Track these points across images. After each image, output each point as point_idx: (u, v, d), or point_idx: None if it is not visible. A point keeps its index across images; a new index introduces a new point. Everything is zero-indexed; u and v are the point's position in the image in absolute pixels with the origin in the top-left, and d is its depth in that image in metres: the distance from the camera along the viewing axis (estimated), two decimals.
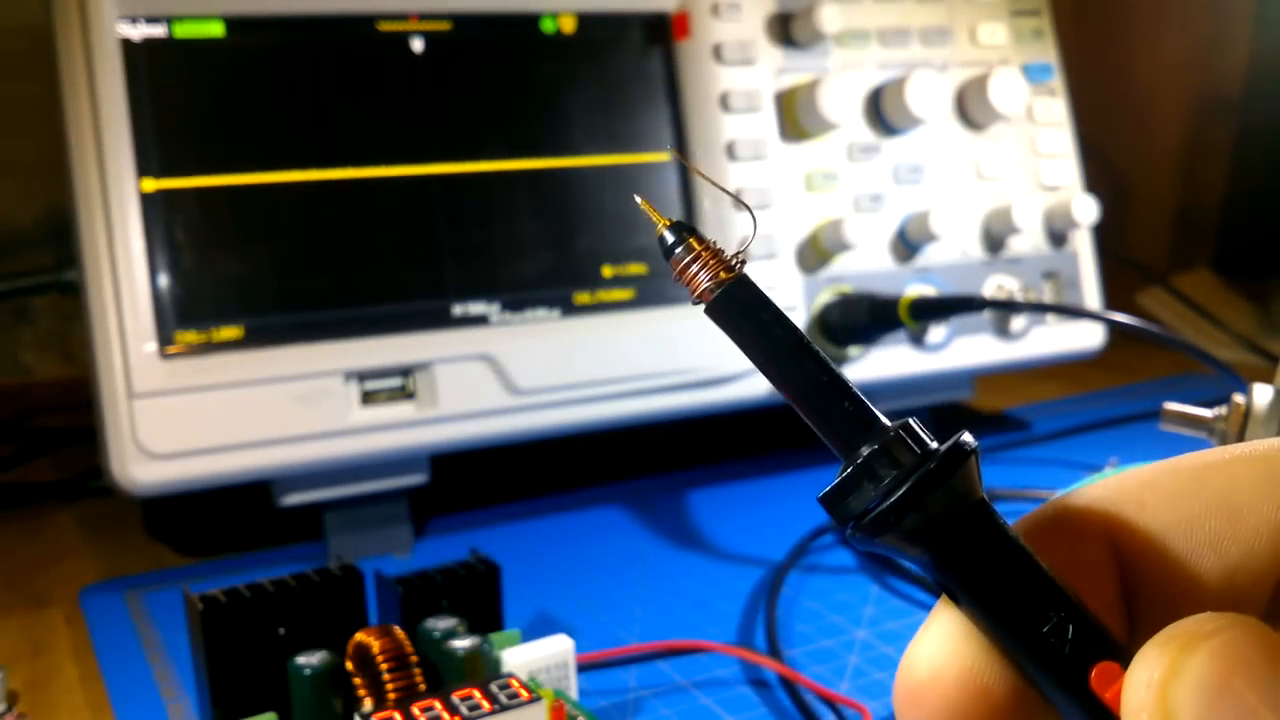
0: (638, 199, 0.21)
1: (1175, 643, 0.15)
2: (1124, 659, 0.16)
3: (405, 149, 0.55)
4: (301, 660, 0.36)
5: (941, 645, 0.18)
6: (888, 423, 0.18)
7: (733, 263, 0.19)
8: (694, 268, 0.19)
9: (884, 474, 0.18)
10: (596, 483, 0.65)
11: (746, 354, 0.19)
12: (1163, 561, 0.18)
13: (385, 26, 0.55)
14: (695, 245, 0.19)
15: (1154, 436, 0.47)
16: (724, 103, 0.60)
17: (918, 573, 0.51)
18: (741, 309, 0.19)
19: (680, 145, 0.61)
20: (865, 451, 0.18)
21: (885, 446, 0.18)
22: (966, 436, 0.18)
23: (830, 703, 0.41)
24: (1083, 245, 0.69)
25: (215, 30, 0.52)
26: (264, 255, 0.53)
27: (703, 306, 0.19)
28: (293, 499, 0.54)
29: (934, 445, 0.18)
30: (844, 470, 0.18)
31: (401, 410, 0.53)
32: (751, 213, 0.21)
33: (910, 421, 0.18)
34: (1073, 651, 0.17)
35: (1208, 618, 0.15)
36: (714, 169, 0.60)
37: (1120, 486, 0.19)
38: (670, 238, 0.19)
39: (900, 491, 0.17)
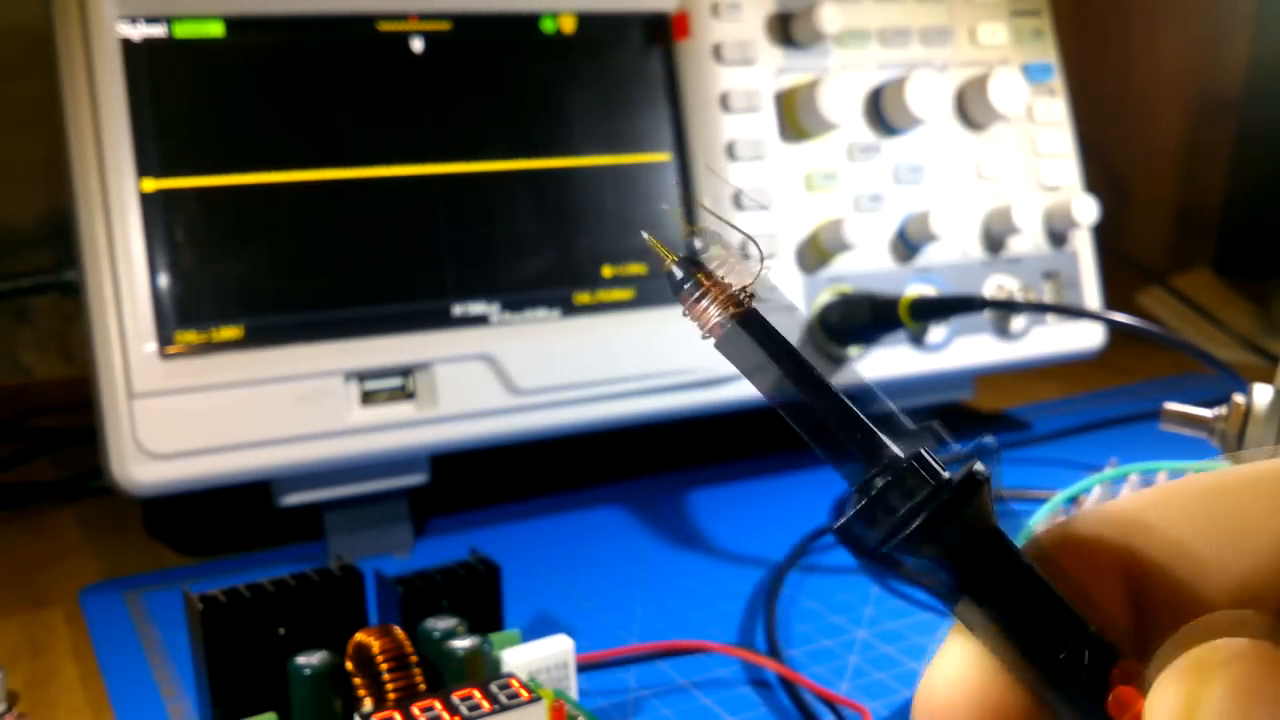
0: (646, 235, 0.21)
1: (1193, 672, 0.15)
2: (1140, 683, 0.17)
3: (405, 149, 0.55)
4: (301, 660, 0.36)
5: (958, 670, 0.18)
6: (900, 452, 0.19)
7: (741, 297, 0.19)
8: (703, 303, 0.19)
9: (898, 505, 0.18)
10: (596, 483, 0.65)
11: (757, 386, 0.19)
12: (1171, 579, 0.19)
13: (385, 26, 0.55)
14: (704, 280, 0.19)
15: (1154, 436, 0.47)
16: (724, 103, 0.60)
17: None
18: (750, 343, 0.19)
19: (680, 145, 0.61)
20: (879, 483, 0.18)
21: (899, 478, 0.18)
22: (979, 465, 0.18)
23: (830, 703, 0.41)
24: (1083, 245, 0.69)
25: (215, 30, 0.52)
26: (264, 255, 0.53)
27: (712, 341, 0.19)
28: (293, 499, 0.54)
29: (947, 475, 0.18)
30: (858, 502, 0.18)
31: (401, 410, 0.53)
32: (760, 249, 0.21)
33: (922, 451, 0.18)
34: (1089, 677, 0.17)
35: (1223, 644, 0.16)
36: (714, 169, 0.60)
37: (1125, 508, 0.19)
38: (678, 273, 0.20)
39: (915, 523, 0.18)
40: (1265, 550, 0.18)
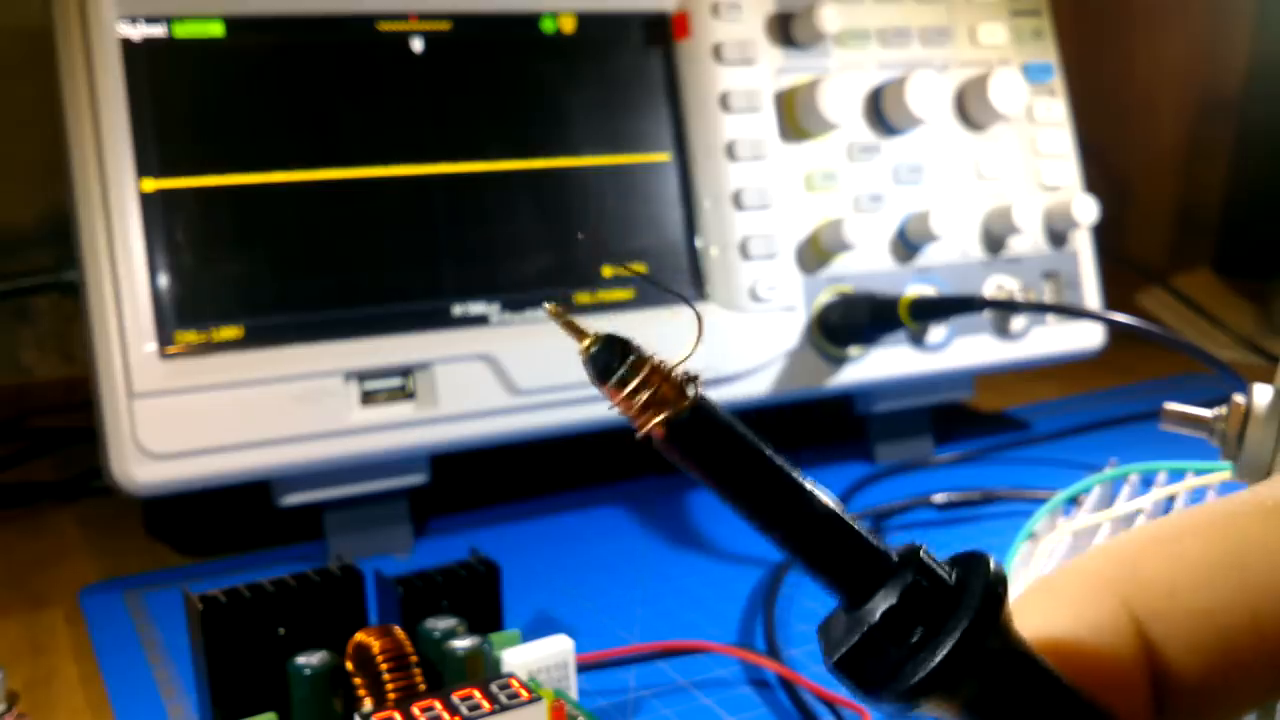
0: (547, 306, 0.17)
1: None
2: None
3: (405, 149, 0.55)
4: (301, 660, 0.36)
5: None
6: (892, 554, 0.16)
7: (684, 384, 0.16)
8: (640, 394, 0.15)
9: (908, 632, 0.15)
10: (596, 483, 0.65)
11: (715, 491, 0.16)
12: (1199, 651, 0.17)
13: (385, 26, 0.55)
14: (639, 367, 0.16)
15: (1154, 436, 0.46)
16: (724, 103, 0.60)
17: None
18: (703, 441, 0.15)
19: (680, 145, 0.61)
20: (882, 606, 0.15)
21: (905, 598, 0.15)
22: (994, 566, 0.15)
23: (830, 704, 0.41)
24: (1083, 245, 0.69)
25: (215, 30, 0.52)
26: (264, 255, 0.53)
27: (652, 441, 0.15)
28: (293, 499, 0.54)
29: (951, 579, 0.15)
30: (856, 628, 0.15)
31: (401, 410, 0.53)
32: (699, 315, 0.16)
33: (922, 556, 0.15)
34: None
35: None
36: (714, 169, 0.60)
37: (1143, 564, 0.17)
38: (603, 359, 0.15)
39: (938, 658, 0.15)
40: None
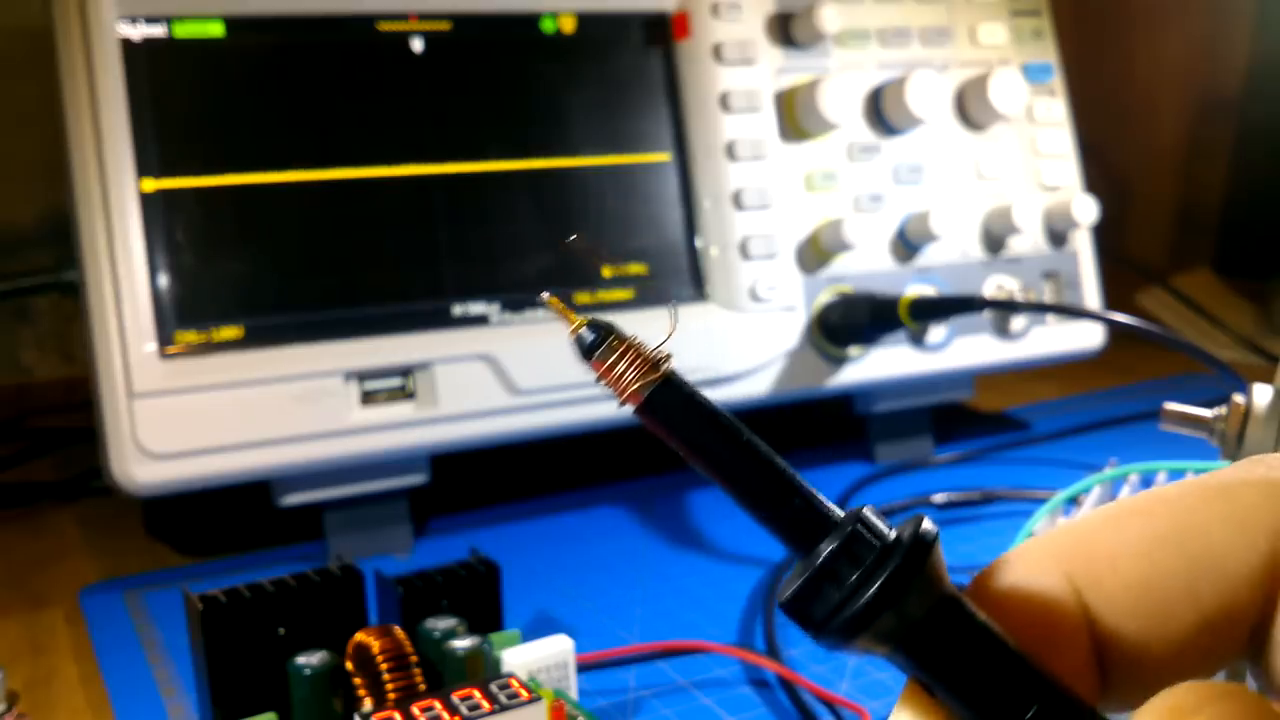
0: (546, 296, 0.20)
1: (1170, 714, 0.15)
2: None
3: (405, 149, 0.55)
4: (301, 660, 0.36)
5: None
6: (840, 514, 0.18)
7: (658, 360, 0.18)
8: (619, 368, 0.18)
9: (846, 575, 0.17)
10: (596, 483, 0.65)
11: (684, 455, 0.19)
12: (1138, 618, 0.18)
13: (385, 26, 0.55)
14: (618, 344, 0.18)
15: (1154, 436, 0.47)
16: (724, 103, 0.60)
17: None
18: (673, 409, 0.18)
19: (680, 145, 0.61)
20: (824, 551, 0.17)
21: (844, 545, 0.17)
22: (927, 524, 0.17)
23: (829, 704, 0.41)
24: (1083, 245, 0.69)
25: (215, 30, 0.52)
26: (264, 255, 0.53)
27: (631, 409, 0.18)
28: (293, 499, 0.54)
29: (892, 535, 0.17)
30: (803, 572, 0.18)
31: (401, 410, 0.53)
32: (674, 310, 0.20)
33: (865, 512, 0.18)
34: None
35: (1190, 691, 0.15)
36: (714, 169, 0.60)
37: (1089, 540, 0.18)
38: (589, 337, 0.18)
39: (868, 594, 0.17)
40: (1237, 574, 0.17)
